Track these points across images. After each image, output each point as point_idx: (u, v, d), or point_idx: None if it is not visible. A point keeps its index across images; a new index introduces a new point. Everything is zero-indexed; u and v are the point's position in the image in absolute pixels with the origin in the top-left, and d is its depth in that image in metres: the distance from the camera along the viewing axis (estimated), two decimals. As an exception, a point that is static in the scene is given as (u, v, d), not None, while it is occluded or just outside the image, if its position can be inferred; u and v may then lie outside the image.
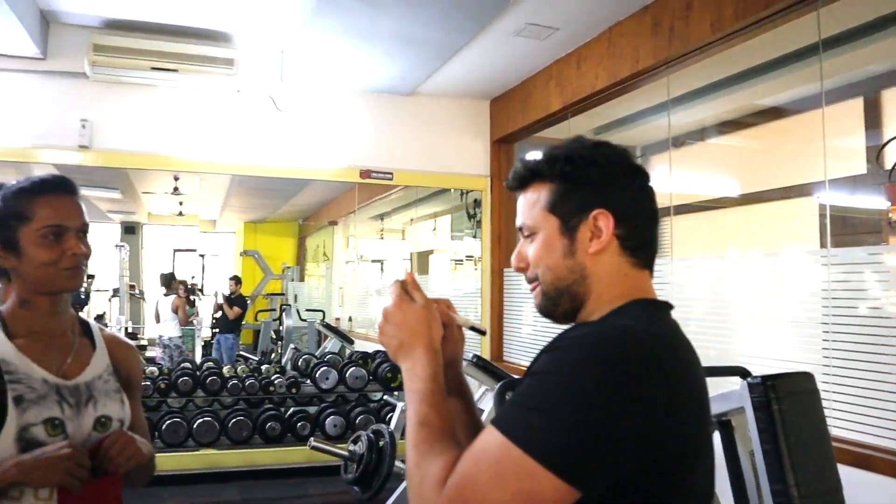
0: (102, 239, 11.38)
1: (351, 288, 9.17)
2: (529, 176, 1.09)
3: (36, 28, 4.61)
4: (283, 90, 5.30)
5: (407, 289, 1.10)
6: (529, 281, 1.10)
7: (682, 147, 5.48)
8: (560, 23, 4.19)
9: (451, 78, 5.25)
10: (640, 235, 1.05)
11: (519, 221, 1.11)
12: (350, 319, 8.69)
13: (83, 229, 1.53)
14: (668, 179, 4.31)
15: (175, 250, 11.85)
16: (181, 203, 9.90)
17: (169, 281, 8.35)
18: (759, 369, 1.99)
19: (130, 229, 11.15)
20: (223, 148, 5.22)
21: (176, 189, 8.25)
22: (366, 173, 5.54)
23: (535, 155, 1.11)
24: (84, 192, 6.42)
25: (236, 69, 4.95)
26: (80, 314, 1.68)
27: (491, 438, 0.86)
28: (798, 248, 4.39)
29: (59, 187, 1.52)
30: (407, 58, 4.72)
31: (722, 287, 3.83)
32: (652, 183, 1.11)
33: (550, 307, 1.07)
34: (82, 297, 8.65)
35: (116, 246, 9.05)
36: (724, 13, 3.33)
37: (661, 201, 5.32)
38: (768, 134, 5.03)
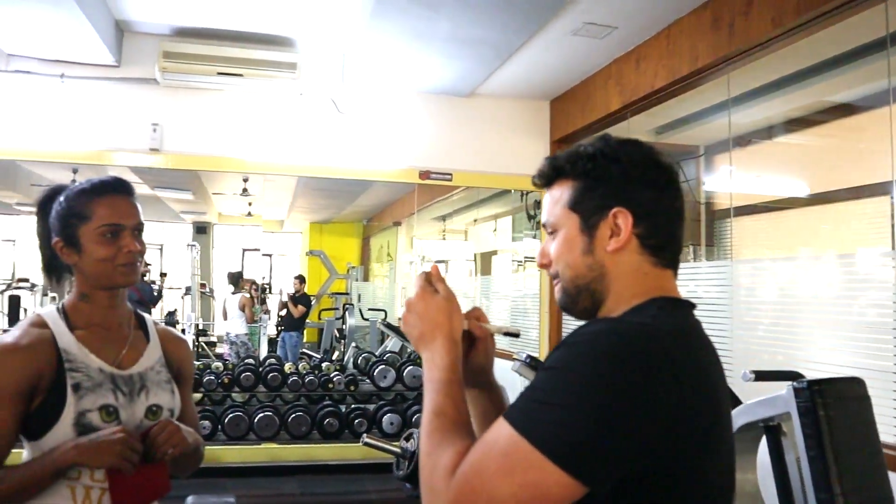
0: (175, 238, 11.80)
1: (413, 288, 9.24)
2: (554, 174, 1.10)
3: (111, 37, 4.82)
4: (344, 93, 5.40)
5: (431, 280, 1.12)
6: (552, 278, 1.10)
7: (748, 146, 5.35)
8: (618, 21, 4.15)
9: (511, 78, 5.25)
10: (662, 234, 1.04)
11: (543, 218, 1.12)
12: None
13: (138, 228, 1.61)
14: (728, 180, 4.20)
15: (244, 250, 12.19)
16: (250, 204, 10.17)
17: (236, 279, 8.59)
18: (824, 375, 1.93)
19: (202, 229, 11.52)
20: (287, 150, 5.35)
21: (245, 190, 8.47)
22: (425, 174, 5.59)
23: (561, 153, 1.11)
24: (157, 193, 6.70)
25: (299, 73, 5.07)
26: (140, 310, 1.76)
27: (501, 431, 0.87)
28: (869, 251, 4.22)
29: (117, 189, 1.60)
30: (465, 59, 4.74)
31: (790, 290, 3.72)
32: (680, 182, 1.10)
33: (570, 304, 1.08)
34: (155, 294, 8.98)
35: (188, 245, 9.36)
36: (785, 8, 3.24)
37: (722, 202, 5.18)
38: (836, 132, 4.85)
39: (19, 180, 8.24)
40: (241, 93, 5.27)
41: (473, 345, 1.16)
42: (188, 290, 8.71)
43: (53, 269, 1.65)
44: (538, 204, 6.07)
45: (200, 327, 9.20)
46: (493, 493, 0.83)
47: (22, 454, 1.49)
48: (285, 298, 9.29)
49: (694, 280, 4.32)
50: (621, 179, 1.03)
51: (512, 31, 4.24)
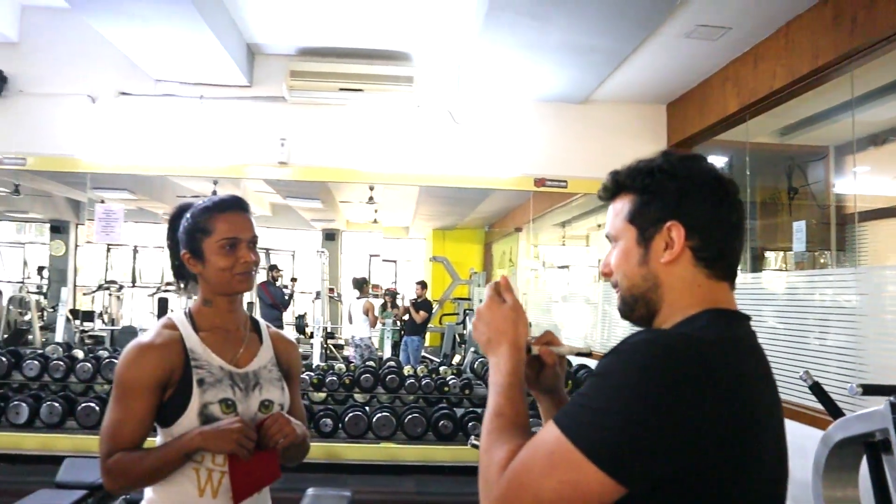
0: (306, 245, 12.38)
1: (534, 294, 9.26)
2: (616, 188, 1.16)
3: (243, 60, 5.20)
4: (459, 103, 5.54)
5: (500, 290, 1.18)
6: (613, 286, 1.16)
7: (884, 145, 5.04)
8: (731, 22, 4.05)
9: (625, 83, 5.21)
10: (716, 247, 1.07)
11: (606, 229, 1.18)
12: (530, 325, 8.78)
13: (253, 241, 1.78)
14: (852, 182, 3.98)
15: (371, 255, 12.62)
16: (376, 211, 10.54)
17: (360, 284, 8.92)
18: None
19: (330, 236, 12.05)
20: (405, 160, 5.56)
21: (371, 199, 8.80)
22: (540, 181, 5.64)
23: (624, 168, 1.17)
24: (289, 202, 7.10)
25: (415, 86, 5.27)
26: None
27: (549, 431, 0.94)
28: None
29: (234, 206, 1.78)
30: (577, 66, 4.76)
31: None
32: (738, 197, 1.11)
33: (628, 312, 1.13)
34: (286, 298, 9.48)
35: (317, 251, 9.78)
36: (912, 0, 3.07)
37: (859, 204, 4.85)
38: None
39: (166, 193, 8.96)
40: (361, 106, 5.52)
41: (543, 369, 1.23)
42: (318, 294, 9.15)
43: (181, 276, 1.84)
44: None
45: (328, 330, 9.60)
46: (537, 488, 0.91)
47: (156, 440, 1.69)
48: (408, 303, 9.54)
49: (819, 287, 4.09)
50: (677, 194, 1.07)
51: (622, 38, 4.23)
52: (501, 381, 1.08)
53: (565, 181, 5.65)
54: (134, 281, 10.68)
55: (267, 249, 11.89)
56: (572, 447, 0.90)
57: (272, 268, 9.08)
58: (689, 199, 1.07)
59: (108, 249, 10.46)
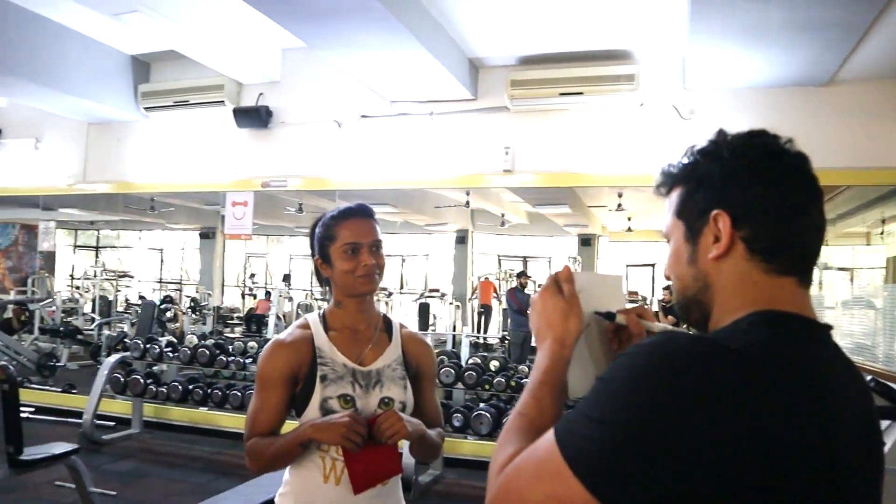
0: (561, 251, 12.45)
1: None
2: (668, 181, 1.01)
3: (465, 75, 5.45)
4: (685, 98, 5.26)
5: (558, 281, 1.09)
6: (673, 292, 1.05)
7: None
8: None
9: (876, 60, 4.56)
10: (775, 236, 0.90)
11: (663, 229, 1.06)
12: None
13: (375, 245, 1.89)
14: None
15: (627, 265, 12.32)
16: (629, 218, 10.28)
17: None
18: None
19: (586, 241, 11.99)
20: (631, 161, 5.39)
21: (619, 206, 8.61)
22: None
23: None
24: (539, 210, 7.25)
25: (637, 84, 5.12)
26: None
27: (546, 437, 0.85)
28: None
29: (357, 213, 1.91)
30: (808, 45, 4.27)
31: None
32: (799, 174, 0.92)
33: (684, 317, 1.00)
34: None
35: (569, 258, 9.81)
36: None
37: None
38: None
39: (425, 205, 9.59)
40: (582, 110, 5.48)
41: (628, 342, 1.09)
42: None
43: (322, 281, 2.01)
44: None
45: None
46: (524, 497, 0.84)
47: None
48: (656, 308, 9.20)
49: None
50: (721, 178, 0.92)
51: (857, 7, 3.72)
52: (535, 377, 1.01)
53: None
54: (401, 287, 11.55)
55: (524, 257, 12.18)
56: (561, 458, 0.81)
57: (521, 274, 9.28)
58: (735, 181, 0.91)
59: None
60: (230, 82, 6.17)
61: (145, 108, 6.44)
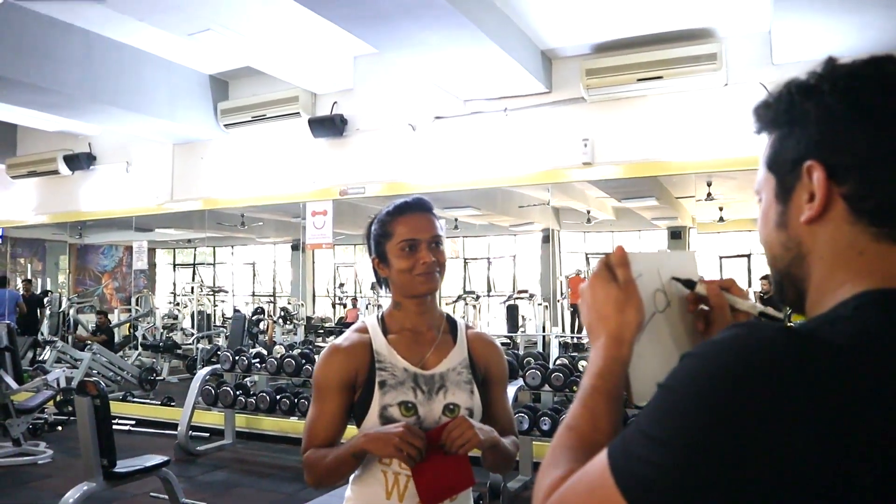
0: (648, 244, 12.07)
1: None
2: (760, 125, 0.81)
3: (538, 67, 5.30)
4: (773, 74, 4.93)
5: (611, 265, 0.90)
6: None
7: None
8: None
9: None
10: (887, 193, 0.70)
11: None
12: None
13: (434, 241, 1.76)
14: None
15: (720, 257, 11.81)
16: (721, 209, 9.83)
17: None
18: None
19: (676, 234, 11.56)
20: (715, 146, 5.10)
21: (709, 195, 8.24)
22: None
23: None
24: (625, 204, 7.03)
25: (720, 63, 4.84)
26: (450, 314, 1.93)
27: (598, 459, 0.71)
28: None
29: (414, 208, 1.79)
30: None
31: None
32: None
33: (778, 295, 0.81)
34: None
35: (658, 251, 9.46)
36: None
37: None
38: None
39: (509, 205, 9.43)
40: (662, 95, 5.23)
41: (711, 325, 0.91)
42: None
43: (380, 282, 1.92)
44: None
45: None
46: None
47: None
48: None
49: None
50: (819, 120, 0.72)
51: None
52: (587, 383, 0.84)
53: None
54: (489, 290, 11.44)
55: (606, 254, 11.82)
56: (614, 488, 0.66)
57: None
58: (837, 123, 0.71)
59: (466, 263, 11.37)
60: (304, 93, 6.24)
61: (225, 125, 6.59)
